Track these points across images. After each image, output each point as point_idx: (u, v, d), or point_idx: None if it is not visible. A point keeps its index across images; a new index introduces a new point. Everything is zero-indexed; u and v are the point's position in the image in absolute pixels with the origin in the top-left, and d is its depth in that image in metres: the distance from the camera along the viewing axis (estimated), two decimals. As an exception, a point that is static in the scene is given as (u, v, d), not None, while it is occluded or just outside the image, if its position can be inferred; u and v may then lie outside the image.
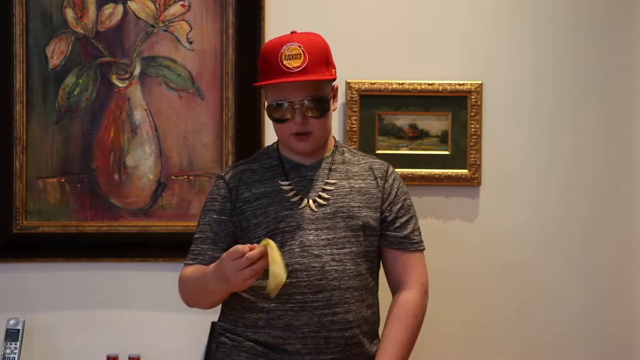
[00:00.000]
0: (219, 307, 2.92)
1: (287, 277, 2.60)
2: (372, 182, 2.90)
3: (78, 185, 3.50)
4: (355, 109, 3.49)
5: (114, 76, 3.50)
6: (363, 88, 3.48)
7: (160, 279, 3.49)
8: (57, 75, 3.48)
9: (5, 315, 3.42)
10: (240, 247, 2.59)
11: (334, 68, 2.87)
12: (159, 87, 3.51)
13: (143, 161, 3.51)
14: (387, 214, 2.89)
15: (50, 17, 3.48)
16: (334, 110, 2.89)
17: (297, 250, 2.79)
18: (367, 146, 3.47)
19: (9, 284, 3.49)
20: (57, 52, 3.48)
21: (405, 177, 3.42)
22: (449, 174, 3.51)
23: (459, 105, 3.50)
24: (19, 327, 3.37)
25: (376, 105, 3.50)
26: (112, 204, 3.51)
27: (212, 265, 2.72)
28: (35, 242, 3.48)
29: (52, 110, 3.48)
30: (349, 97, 3.48)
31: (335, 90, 2.90)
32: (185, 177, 3.52)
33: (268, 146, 3.02)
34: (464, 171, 3.51)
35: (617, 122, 3.54)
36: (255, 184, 2.88)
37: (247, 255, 2.57)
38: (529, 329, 3.55)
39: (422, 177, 3.51)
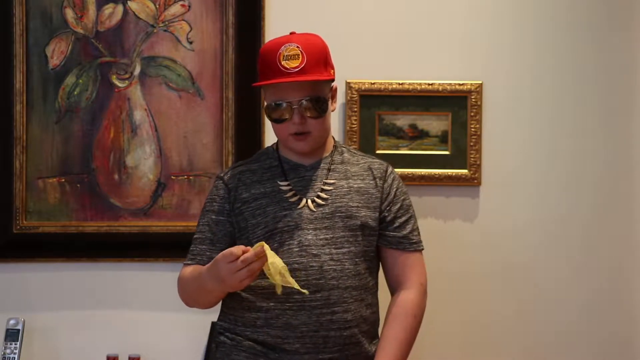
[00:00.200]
0: (219, 307, 2.93)
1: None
2: (371, 182, 2.91)
3: (78, 185, 3.50)
4: (355, 109, 3.49)
5: (114, 76, 3.50)
6: (363, 88, 3.48)
7: (160, 279, 3.49)
8: (57, 75, 3.49)
9: (5, 315, 3.42)
10: (234, 250, 2.61)
11: (333, 69, 2.88)
12: (159, 87, 3.51)
13: (143, 161, 3.51)
14: (386, 214, 2.89)
15: (50, 17, 3.48)
16: (332, 110, 2.90)
17: (296, 249, 2.79)
18: (367, 146, 3.47)
19: (9, 284, 3.50)
20: (57, 52, 3.49)
21: (405, 177, 3.42)
22: (449, 174, 3.51)
23: (459, 105, 3.50)
24: (19, 327, 3.37)
25: (376, 105, 3.50)
26: (112, 204, 3.51)
27: (206, 266, 2.73)
28: (35, 242, 3.48)
29: (52, 110, 3.49)
30: (349, 97, 3.48)
31: (334, 91, 2.91)
32: (185, 177, 3.52)
33: (268, 147, 3.03)
34: (464, 171, 3.51)
35: (617, 122, 3.54)
36: (255, 184, 2.89)
37: (241, 258, 2.59)
38: (529, 328, 3.54)
39: (422, 177, 3.51)
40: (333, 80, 2.88)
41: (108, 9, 3.50)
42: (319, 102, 2.81)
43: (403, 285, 2.89)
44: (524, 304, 3.54)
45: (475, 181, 3.51)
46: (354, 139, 3.48)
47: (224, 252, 2.63)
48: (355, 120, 3.49)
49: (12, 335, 3.36)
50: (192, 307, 2.96)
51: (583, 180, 3.53)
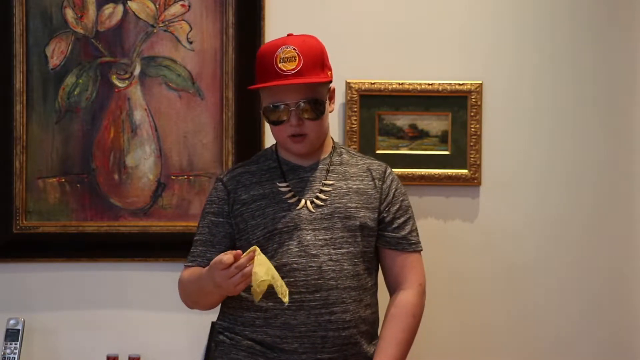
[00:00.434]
0: (219, 307, 2.93)
1: (271, 280, 2.62)
2: (370, 182, 2.91)
3: (78, 185, 3.50)
4: (355, 109, 3.49)
5: (114, 76, 3.50)
6: (363, 88, 3.48)
7: (160, 279, 3.49)
8: (57, 75, 3.49)
9: (5, 315, 3.42)
10: (224, 258, 2.62)
11: (330, 70, 2.88)
12: (159, 87, 3.51)
13: (143, 161, 3.52)
14: (385, 215, 2.89)
15: (50, 17, 3.48)
16: (331, 111, 2.91)
17: (295, 250, 2.80)
18: (367, 146, 3.47)
19: (9, 284, 3.50)
20: (57, 52, 3.49)
21: (405, 177, 3.43)
22: (449, 174, 3.51)
23: (459, 105, 3.50)
24: (19, 327, 3.38)
25: (376, 105, 3.50)
26: (112, 204, 3.51)
27: (205, 269, 2.74)
28: (35, 242, 3.48)
29: (52, 110, 3.49)
30: (348, 97, 3.48)
31: (331, 92, 2.91)
32: (185, 177, 3.52)
33: (266, 148, 3.04)
34: (464, 171, 3.51)
35: (617, 122, 3.53)
36: (254, 185, 2.89)
37: (235, 264, 2.60)
38: (529, 328, 3.54)
39: (422, 177, 3.51)
40: (330, 82, 2.88)
41: (108, 9, 3.50)
42: (316, 104, 2.82)
43: (402, 286, 2.89)
44: (523, 304, 3.54)
45: (475, 181, 3.51)
46: (354, 139, 3.48)
47: (215, 259, 2.65)
48: (355, 120, 3.49)
49: (12, 335, 3.37)
50: (193, 309, 2.97)
51: (583, 180, 3.53)
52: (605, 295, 3.55)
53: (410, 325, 2.85)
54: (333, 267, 2.80)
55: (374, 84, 3.49)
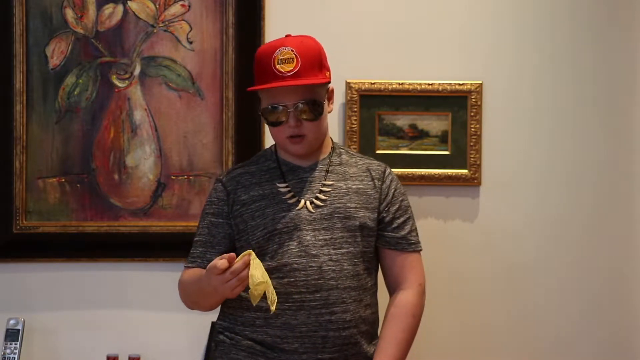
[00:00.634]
0: (219, 306, 2.93)
1: (265, 284, 2.62)
2: (369, 183, 2.91)
3: (78, 185, 3.50)
4: (355, 109, 3.49)
5: (114, 76, 3.50)
6: (363, 88, 3.48)
7: (160, 279, 3.49)
8: (57, 75, 3.49)
9: (5, 315, 3.42)
10: (218, 264, 2.62)
11: (328, 71, 2.88)
12: (159, 87, 3.51)
13: (143, 161, 3.52)
14: (385, 215, 2.89)
15: (50, 17, 3.48)
16: (329, 112, 2.91)
17: (295, 250, 2.80)
18: (367, 146, 3.47)
19: (9, 284, 3.50)
20: (57, 52, 3.49)
21: (405, 177, 3.43)
22: (449, 174, 3.51)
23: (459, 105, 3.50)
24: (19, 327, 3.38)
25: (376, 105, 3.50)
26: (112, 204, 3.51)
27: (204, 272, 2.74)
28: (35, 242, 3.48)
29: (52, 110, 3.49)
30: (348, 97, 3.48)
31: (330, 92, 2.91)
32: (185, 177, 3.52)
33: (266, 149, 3.04)
34: (464, 171, 3.51)
35: (617, 122, 3.53)
36: (253, 186, 2.90)
37: (230, 269, 2.60)
38: (529, 328, 3.54)
39: (422, 177, 3.51)
40: (328, 82, 2.88)
41: (108, 9, 3.50)
42: (315, 105, 2.82)
43: (402, 286, 2.89)
44: (523, 303, 3.54)
45: (475, 181, 3.51)
46: (354, 139, 3.48)
47: (210, 264, 2.65)
48: (355, 120, 3.49)
49: (12, 335, 3.37)
50: (193, 310, 2.97)
51: (583, 180, 3.53)
52: (605, 295, 3.55)
53: (410, 325, 2.85)
54: (333, 267, 2.80)
55: (374, 84, 3.49)
